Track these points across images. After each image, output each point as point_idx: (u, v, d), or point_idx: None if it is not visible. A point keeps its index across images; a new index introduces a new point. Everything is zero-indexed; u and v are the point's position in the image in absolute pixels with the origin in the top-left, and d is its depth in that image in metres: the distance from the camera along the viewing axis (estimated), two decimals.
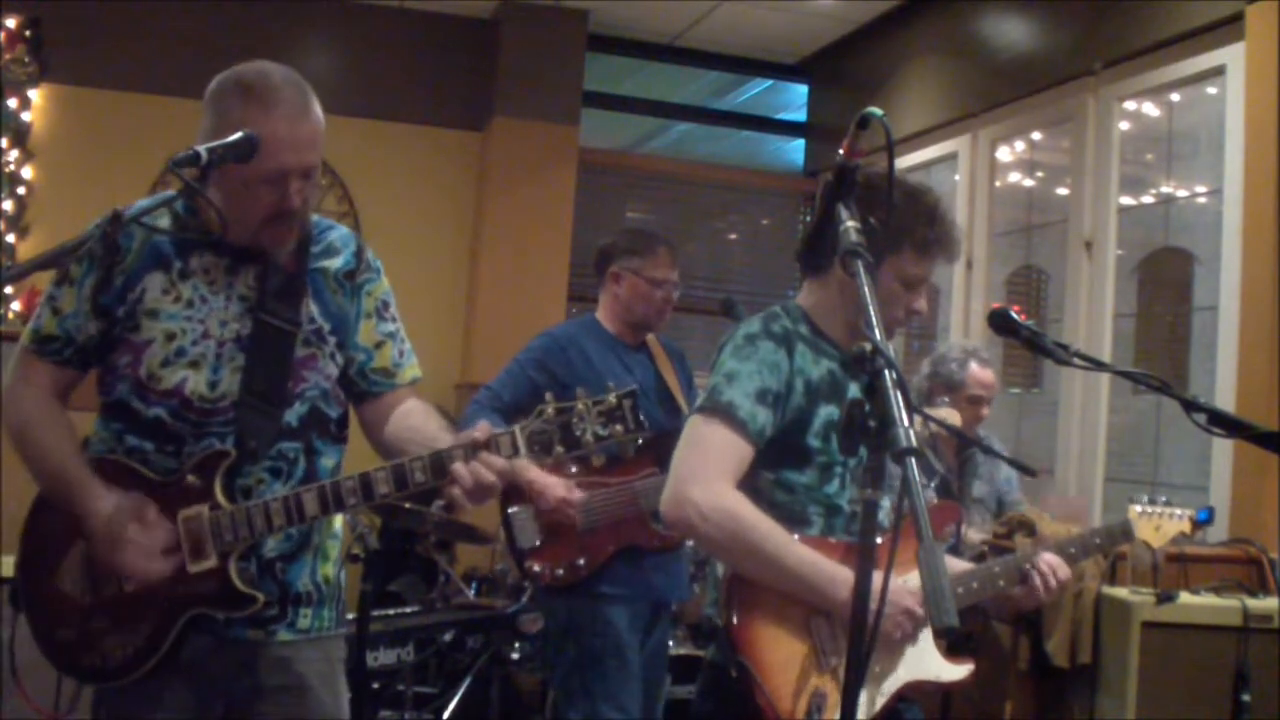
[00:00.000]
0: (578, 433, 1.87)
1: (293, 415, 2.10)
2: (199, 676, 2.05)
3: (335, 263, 2.17)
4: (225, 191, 2.01)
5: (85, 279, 2.06)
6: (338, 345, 2.15)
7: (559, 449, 1.87)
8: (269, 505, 1.97)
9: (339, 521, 2.24)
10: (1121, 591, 3.48)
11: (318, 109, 2.05)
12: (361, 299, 2.18)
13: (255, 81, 2.00)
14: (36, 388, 2.10)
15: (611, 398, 1.88)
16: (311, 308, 2.12)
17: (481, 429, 1.91)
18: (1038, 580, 2.33)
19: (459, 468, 1.88)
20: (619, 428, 1.87)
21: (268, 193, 1.99)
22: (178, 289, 2.06)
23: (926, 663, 2.19)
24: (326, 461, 2.15)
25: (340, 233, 2.22)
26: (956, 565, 2.41)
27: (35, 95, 6.08)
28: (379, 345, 2.20)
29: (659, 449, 3.40)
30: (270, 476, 2.07)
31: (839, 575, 2.04)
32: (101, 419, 2.12)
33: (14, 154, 5.99)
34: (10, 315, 5.79)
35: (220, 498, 1.99)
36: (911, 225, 2.17)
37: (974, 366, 4.11)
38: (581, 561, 3.35)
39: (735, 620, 2.07)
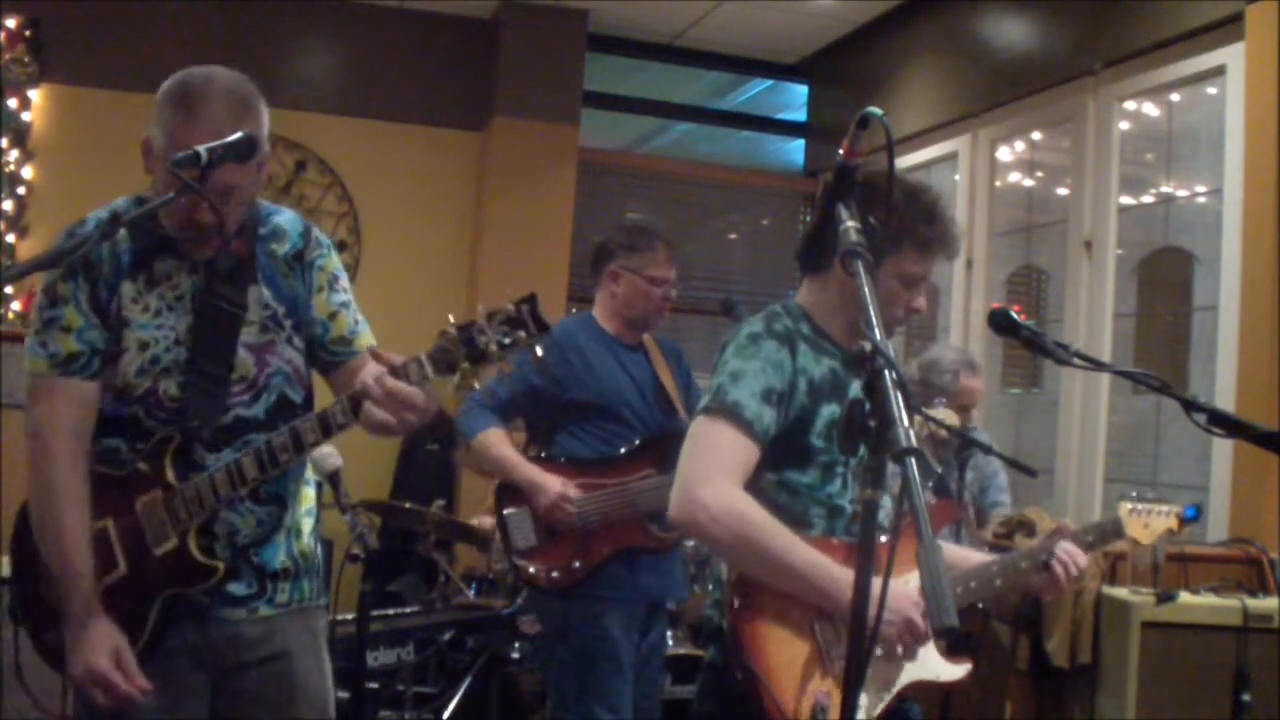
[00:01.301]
0: (480, 344, 1.85)
1: (260, 408, 2.14)
2: (183, 660, 2.09)
3: (284, 247, 2.19)
4: (158, 185, 2.03)
5: (78, 294, 2.07)
6: (294, 328, 2.18)
7: (465, 365, 1.86)
8: (213, 476, 2.02)
9: (311, 498, 2.28)
10: (1121, 591, 3.48)
11: (254, 120, 2.01)
12: (312, 274, 2.20)
13: (194, 88, 1.99)
14: (66, 434, 2.07)
15: (510, 305, 1.87)
16: (264, 293, 2.15)
17: (388, 357, 1.91)
18: (1059, 569, 2.33)
19: (365, 378, 1.89)
20: (521, 333, 1.86)
21: (182, 203, 1.97)
22: (145, 299, 2.10)
23: (927, 663, 2.19)
24: None
25: (287, 216, 2.24)
26: (973, 558, 2.42)
27: (35, 95, 6.08)
28: (333, 316, 2.21)
29: (656, 450, 3.40)
30: None
31: (844, 578, 2.02)
32: None
33: (14, 154, 5.99)
34: (10, 315, 5.80)
35: (170, 479, 2.04)
36: (911, 224, 2.18)
37: (965, 377, 4.16)
38: (577, 564, 3.34)
39: (740, 621, 2.07)
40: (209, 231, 2.03)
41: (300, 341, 2.19)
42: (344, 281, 2.26)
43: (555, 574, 3.35)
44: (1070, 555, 2.35)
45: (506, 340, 1.86)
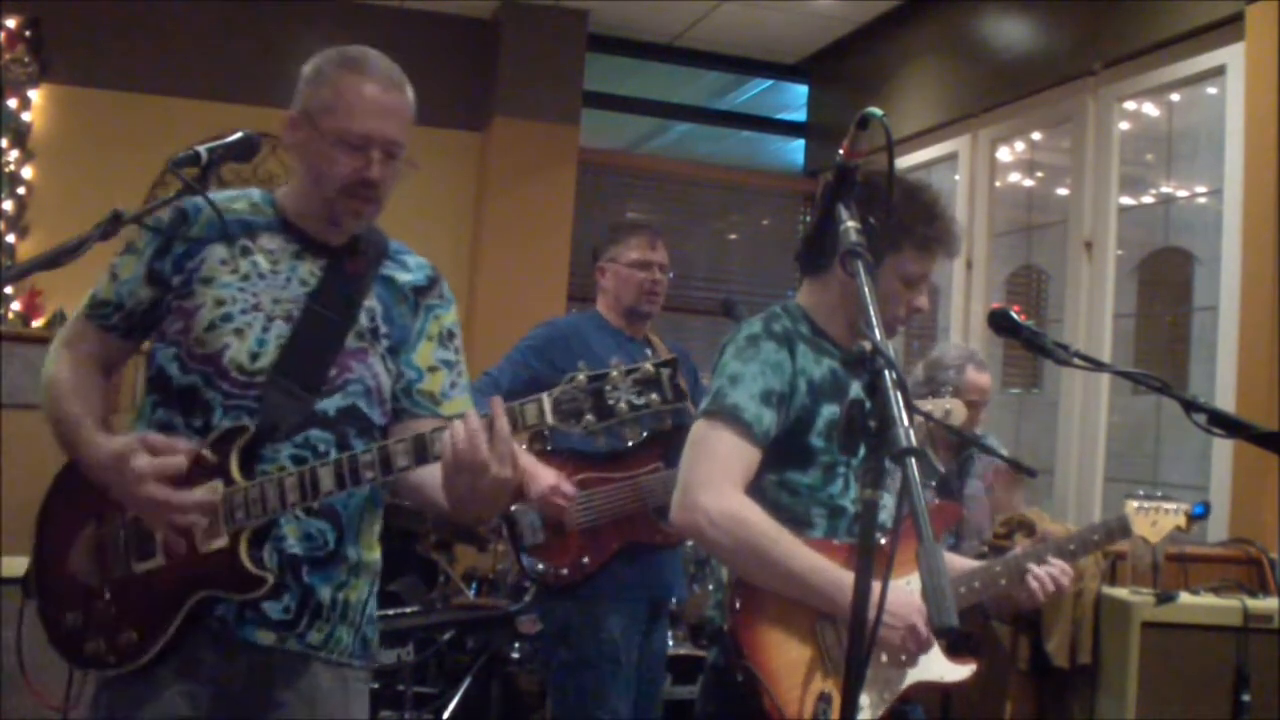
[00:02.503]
0: (611, 400, 1.73)
1: (330, 405, 2.01)
2: (203, 677, 1.98)
3: (407, 276, 2.13)
4: (306, 159, 2.03)
5: (147, 247, 2.05)
6: (389, 350, 2.08)
7: (589, 417, 1.73)
8: (284, 480, 1.88)
9: (378, 549, 2.13)
10: (1121, 591, 3.48)
11: (411, 95, 2.12)
12: (427, 320, 2.13)
13: (356, 54, 2.08)
14: (79, 353, 2.09)
15: (649, 365, 1.75)
16: (375, 306, 2.08)
17: (496, 401, 1.80)
18: (1035, 585, 2.32)
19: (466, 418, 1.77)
20: (655, 396, 1.73)
21: (349, 159, 1.99)
22: (236, 262, 2.04)
23: (931, 664, 2.19)
24: None
25: (419, 259, 2.19)
26: (960, 564, 2.41)
27: (35, 95, 6.08)
28: (433, 369, 2.12)
29: (664, 445, 3.39)
30: (294, 465, 1.96)
31: (846, 582, 2.01)
32: (144, 395, 2.09)
33: (14, 154, 5.99)
34: (10, 315, 5.79)
35: (236, 474, 1.92)
36: (911, 223, 2.17)
37: (971, 371, 4.10)
38: (585, 559, 3.33)
39: (741, 624, 2.07)
40: (373, 193, 2.01)
41: (392, 365, 2.08)
42: (458, 342, 2.16)
43: (564, 570, 3.34)
44: (1050, 574, 2.33)
45: (639, 401, 1.73)
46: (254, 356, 1.99)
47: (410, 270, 2.15)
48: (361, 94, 2.01)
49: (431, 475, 1.89)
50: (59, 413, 2.02)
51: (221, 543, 1.90)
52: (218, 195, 2.05)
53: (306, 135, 2.01)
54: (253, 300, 2.01)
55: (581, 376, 1.75)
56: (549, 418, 1.75)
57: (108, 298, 2.08)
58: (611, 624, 3.33)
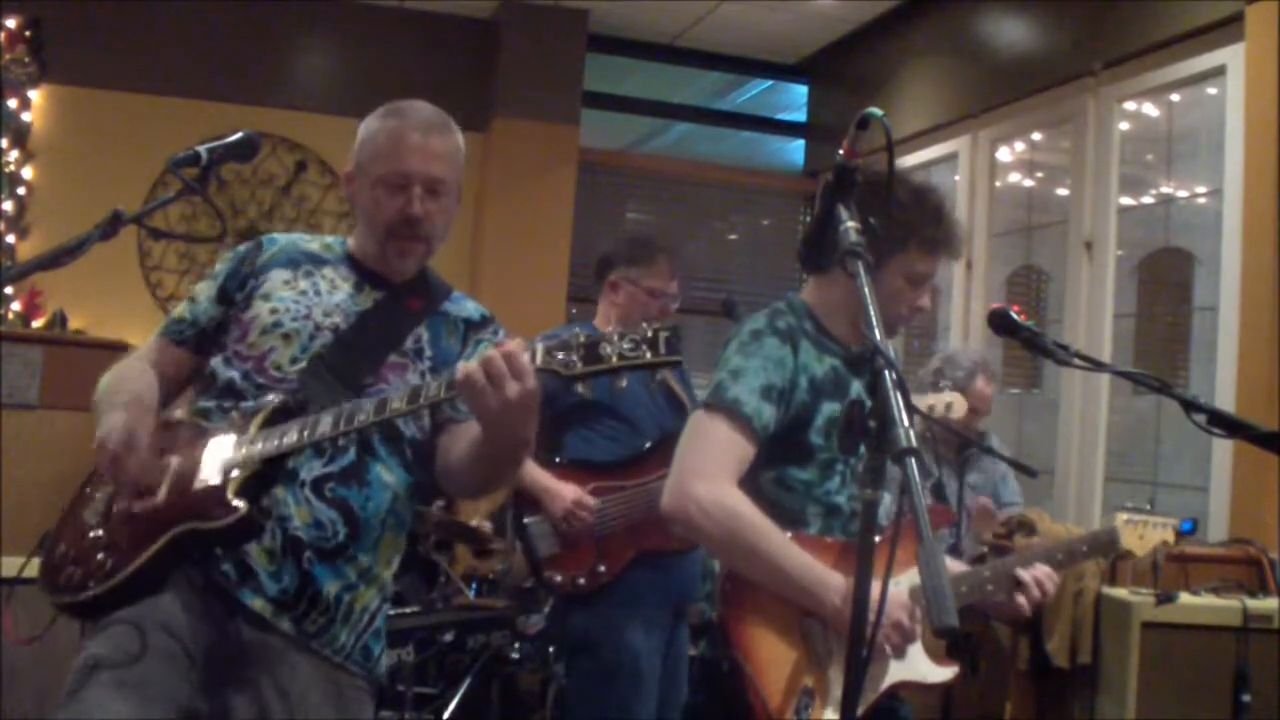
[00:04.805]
0: (601, 351, 1.76)
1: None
2: (198, 621, 1.96)
3: (459, 312, 2.23)
4: (360, 207, 2.17)
5: (222, 272, 2.19)
6: (430, 370, 2.14)
7: (575, 359, 1.77)
8: (286, 428, 1.94)
9: (391, 569, 2.16)
10: (1121, 591, 3.48)
11: (458, 140, 2.20)
12: (475, 350, 2.18)
13: (399, 104, 2.21)
14: (146, 363, 2.16)
15: (647, 328, 1.77)
16: (424, 333, 2.16)
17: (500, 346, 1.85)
18: (1021, 599, 2.32)
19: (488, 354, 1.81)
20: (646, 351, 1.76)
21: (390, 199, 2.09)
22: (298, 282, 2.15)
23: (914, 665, 2.19)
24: (385, 474, 2.08)
25: (478, 305, 2.29)
26: (951, 567, 2.41)
27: (35, 95, 6.08)
28: None
29: (672, 449, 3.37)
30: (312, 451, 2.00)
31: (833, 582, 2.05)
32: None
33: (14, 154, 5.99)
34: (10, 315, 5.79)
35: (253, 432, 1.97)
36: (918, 224, 2.19)
37: (980, 381, 4.13)
38: (602, 568, 3.29)
39: (730, 615, 2.09)
40: (419, 230, 2.10)
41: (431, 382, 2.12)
42: None
43: (581, 580, 3.31)
44: (1037, 580, 2.32)
45: (631, 351, 1.76)
46: (294, 361, 2.07)
47: (466, 310, 2.25)
48: (400, 137, 2.12)
49: (457, 435, 2.07)
50: (104, 399, 2.06)
51: (214, 481, 1.94)
52: (291, 235, 2.23)
53: (358, 185, 2.15)
54: (305, 310, 2.11)
55: (580, 335, 1.80)
56: (539, 359, 1.80)
57: (183, 315, 2.20)
58: (633, 633, 3.30)
